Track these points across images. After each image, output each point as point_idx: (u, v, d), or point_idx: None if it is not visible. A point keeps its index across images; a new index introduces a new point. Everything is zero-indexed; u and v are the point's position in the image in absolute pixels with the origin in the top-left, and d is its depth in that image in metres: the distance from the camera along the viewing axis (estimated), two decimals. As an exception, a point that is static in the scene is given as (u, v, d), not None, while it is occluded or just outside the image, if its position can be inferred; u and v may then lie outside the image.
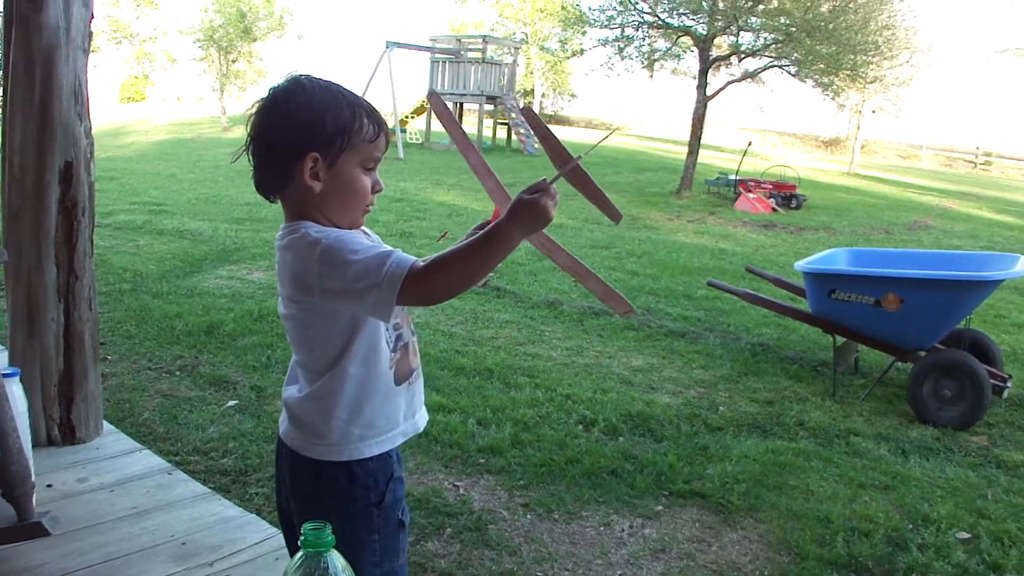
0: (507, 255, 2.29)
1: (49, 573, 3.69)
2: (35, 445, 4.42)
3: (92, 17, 4.94)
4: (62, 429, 5.01)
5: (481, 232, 2.27)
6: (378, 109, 2.47)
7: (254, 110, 2.44)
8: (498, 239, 2.22)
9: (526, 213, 2.24)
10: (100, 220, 13.41)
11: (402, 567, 2.63)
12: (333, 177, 2.38)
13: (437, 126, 40.72)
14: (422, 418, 2.65)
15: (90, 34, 4.92)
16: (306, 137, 2.34)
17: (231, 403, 6.60)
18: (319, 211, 2.40)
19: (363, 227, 2.55)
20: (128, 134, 37.38)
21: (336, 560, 1.80)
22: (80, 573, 3.71)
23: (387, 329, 2.46)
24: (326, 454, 2.47)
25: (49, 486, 4.49)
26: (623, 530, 5.09)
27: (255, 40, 54.44)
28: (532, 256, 13.55)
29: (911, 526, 5.30)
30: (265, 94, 2.45)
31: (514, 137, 37.62)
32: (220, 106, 45.07)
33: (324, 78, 2.50)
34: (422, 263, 2.20)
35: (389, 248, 2.27)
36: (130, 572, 3.76)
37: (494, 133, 39.85)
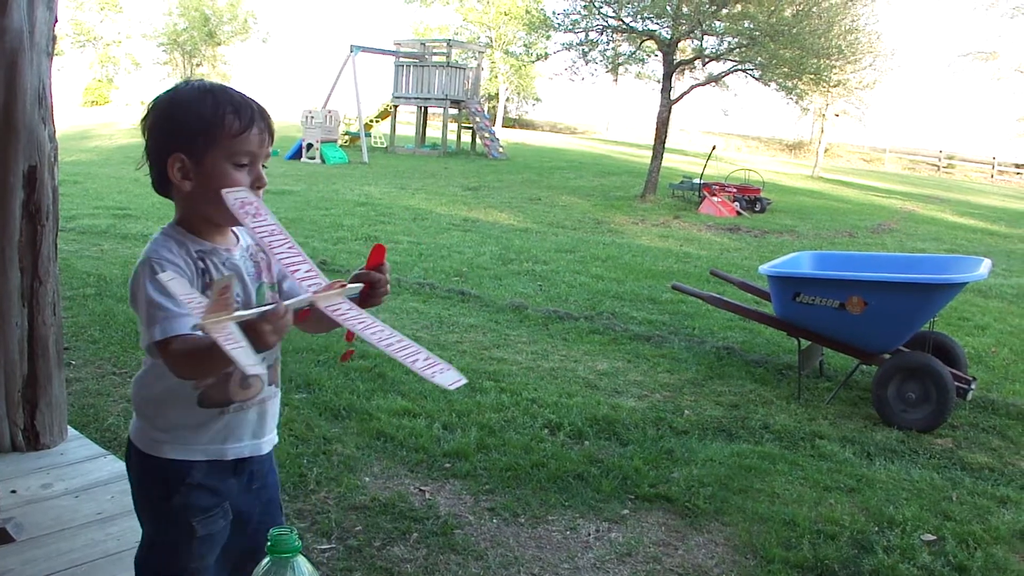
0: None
1: (14, 581, 3.67)
2: (-1, 451, 4.40)
3: (56, 20, 4.91)
4: (26, 435, 4.97)
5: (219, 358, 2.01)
6: (263, 107, 2.52)
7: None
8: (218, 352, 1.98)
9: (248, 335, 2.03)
10: (63, 224, 13.34)
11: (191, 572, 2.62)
12: (201, 175, 2.41)
13: (402, 130, 40.75)
14: (233, 450, 2.59)
15: (54, 38, 4.88)
16: (170, 138, 2.42)
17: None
18: (194, 211, 2.48)
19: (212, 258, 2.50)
20: (91, 138, 37.22)
21: (303, 565, 1.78)
22: (44, 580, 3.70)
23: None
24: (133, 436, 2.60)
25: (13, 492, 4.46)
26: (589, 534, 5.07)
27: (219, 44, 54.47)
28: (496, 261, 13.61)
29: (876, 528, 5.31)
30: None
31: (479, 141, 37.63)
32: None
33: (211, 81, 2.59)
34: (178, 343, 2.23)
35: (167, 311, 2.26)
36: (94, 580, 3.74)
37: (458, 137, 39.90)
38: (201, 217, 2.48)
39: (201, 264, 2.46)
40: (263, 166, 2.51)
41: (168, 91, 2.52)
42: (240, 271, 2.53)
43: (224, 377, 2.47)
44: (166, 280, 2.08)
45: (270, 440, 2.70)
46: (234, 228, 2.60)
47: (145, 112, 2.51)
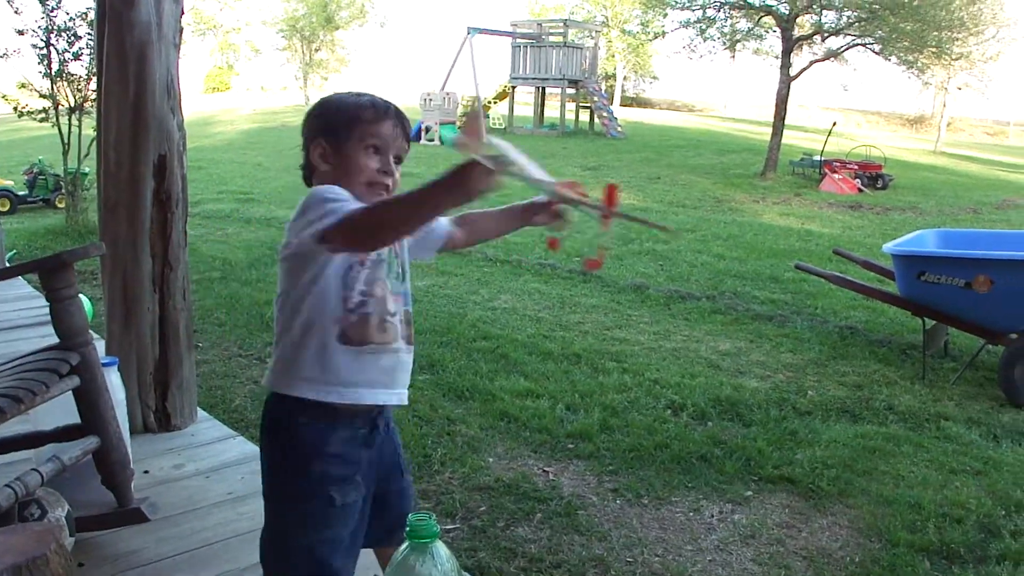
0: (431, 214, 2.46)
1: (148, 558, 3.77)
2: (132, 432, 4.52)
3: (183, 12, 5.02)
4: (158, 416, 5.11)
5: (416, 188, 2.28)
6: (402, 112, 2.78)
7: None
8: (423, 195, 2.27)
9: (454, 178, 2.23)
10: (190, 210, 13.67)
11: (329, 541, 2.67)
12: (339, 157, 2.68)
13: (520, 111, 40.74)
14: (370, 395, 2.68)
15: (181, 29, 4.99)
16: (315, 128, 2.73)
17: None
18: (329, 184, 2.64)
19: None
20: (214, 124, 37.76)
21: (441, 550, 1.83)
22: (178, 558, 3.79)
23: (350, 289, 2.61)
24: (273, 383, 2.67)
25: (146, 472, 4.59)
26: (712, 515, 5.08)
27: (337, 28, 54.86)
28: (618, 240, 13.57)
29: (1004, 512, 5.24)
30: None
31: (597, 120, 37.51)
32: (303, 94, 45.38)
33: (354, 91, 2.87)
34: (359, 212, 2.44)
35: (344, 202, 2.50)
36: (227, 557, 3.82)
37: (576, 117, 39.75)
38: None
39: None
40: (397, 165, 2.74)
41: (330, 96, 2.83)
42: None
43: (363, 318, 2.62)
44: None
45: (400, 395, 2.76)
46: None
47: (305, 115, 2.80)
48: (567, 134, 36.34)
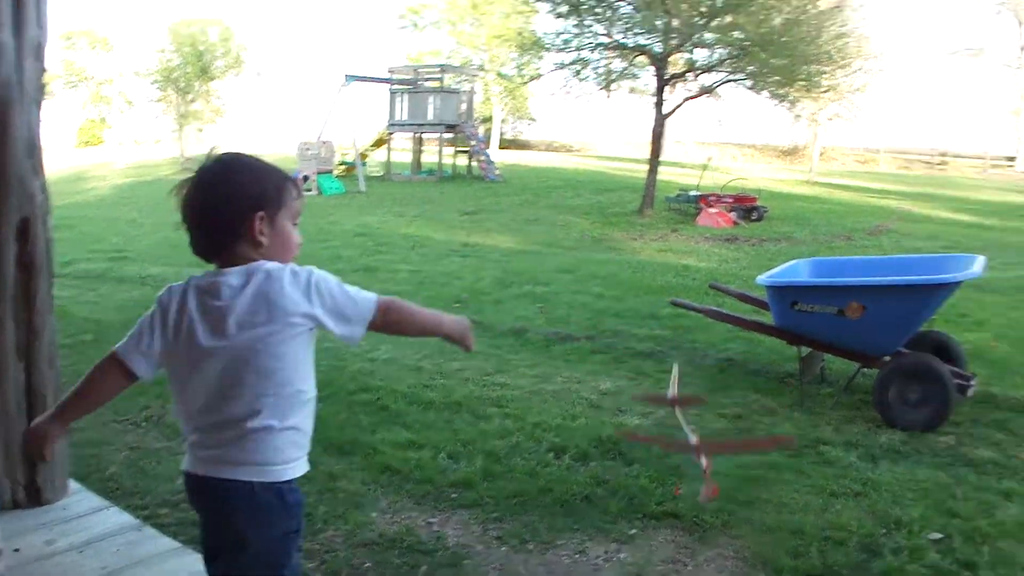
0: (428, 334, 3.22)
1: (22, 641, 3.69)
2: (0, 510, 4.41)
3: (45, 70, 4.94)
4: (28, 491, 4.98)
5: (431, 314, 3.15)
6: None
7: (188, 187, 2.94)
8: (436, 323, 3.16)
9: (459, 328, 3.20)
10: (59, 270, 13.27)
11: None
12: (274, 232, 2.89)
13: (397, 157, 40.78)
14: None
15: (43, 86, 4.92)
16: (252, 200, 2.86)
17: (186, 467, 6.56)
18: (265, 259, 2.87)
19: None
20: (86, 180, 37.36)
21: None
22: (53, 636, 3.71)
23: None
24: (277, 475, 2.90)
25: (16, 550, 4.48)
26: (598, 556, 5.08)
27: (212, 79, 54.48)
28: (496, 285, 13.62)
29: (884, 531, 5.33)
30: (195, 174, 2.95)
31: (475, 164, 37.67)
32: (179, 147, 44.89)
33: (248, 154, 3.07)
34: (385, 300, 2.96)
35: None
36: (103, 635, 3.76)
37: (454, 161, 39.90)
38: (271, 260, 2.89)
39: None
40: None
41: (218, 164, 2.96)
42: None
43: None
44: None
45: None
46: None
47: (197, 183, 2.92)
48: (445, 179, 36.54)
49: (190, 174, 2.97)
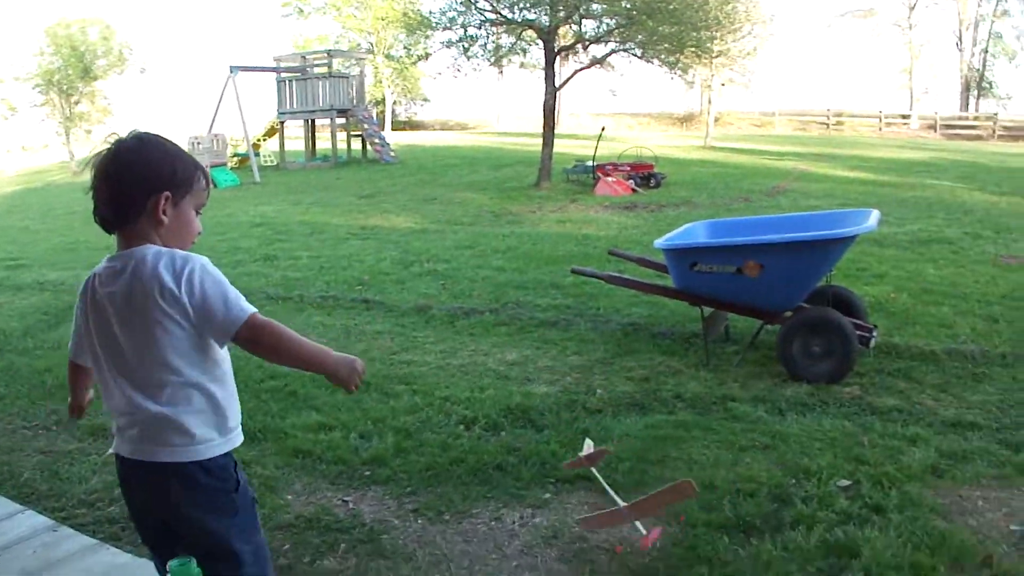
0: (309, 368, 3.00)
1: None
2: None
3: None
4: (-66, 497, 4.92)
5: (314, 349, 2.97)
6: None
7: (102, 157, 2.95)
8: (318, 360, 2.97)
9: (344, 367, 2.96)
10: (-47, 283, 13.10)
11: (263, 540, 3.16)
12: (177, 215, 2.93)
13: (291, 145, 40.49)
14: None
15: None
16: (161, 179, 2.89)
17: (112, 451, 6.49)
18: (163, 240, 2.91)
19: None
20: (-26, 191, 36.64)
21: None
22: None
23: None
24: (191, 455, 2.92)
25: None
26: (514, 522, 5.12)
27: (96, 79, 53.54)
28: (397, 265, 13.60)
29: (793, 481, 5.41)
30: (110, 145, 2.96)
31: (370, 148, 37.49)
32: (68, 151, 44.15)
33: (161, 136, 3.05)
34: (260, 319, 2.86)
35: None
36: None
37: (348, 146, 39.67)
38: (168, 243, 2.92)
39: None
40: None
41: (134, 139, 2.98)
42: None
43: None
44: None
45: None
46: None
47: (110, 153, 2.93)
48: (340, 164, 36.29)
49: (106, 147, 2.98)
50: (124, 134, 3.02)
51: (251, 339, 2.83)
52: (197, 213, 3.03)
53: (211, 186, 3.14)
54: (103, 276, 2.91)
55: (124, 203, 2.89)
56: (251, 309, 2.83)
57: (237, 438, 3.04)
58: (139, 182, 2.88)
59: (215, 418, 2.95)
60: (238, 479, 3.03)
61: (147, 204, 2.87)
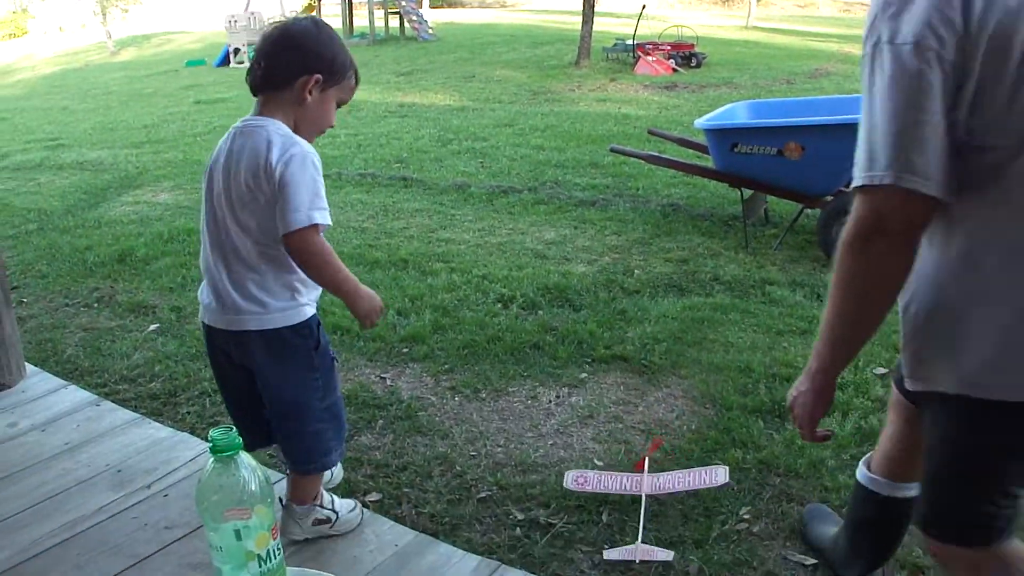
0: (338, 293, 3.14)
1: (-8, 520, 3.71)
2: (-42, 396, 4.42)
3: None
4: (-16, 378, 4.99)
5: (350, 281, 3.13)
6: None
7: (273, 26, 3.13)
8: (347, 287, 3.12)
9: (365, 303, 3.19)
10: (-3, 165, 13.16)
11: (338, 398, 3.43)
12: (320, 100, 3.09)
13: (328, 21, 40.18)
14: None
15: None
16: (319, 61, 3.04)
17: (152, 327, 6.54)
18: (297, 120, 3.10)
19: None
20: (14, 72, 36.60)
21: (246, 460, 1.83)
22: (22, 515, 3.74)
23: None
24: (268, 323, 3.12)
25: (-20, 435, 4.50)
26: (550, 401, 5.15)
27: (134, -43, 53.21)
28: (436, 143, 13.56)
29: (830, 366, 5.39)
30: (291, 21, 3.18)
31: (407, 25, 37.18)
32: (105, 31, 43.93)
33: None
34: (317, 237, 2.99)
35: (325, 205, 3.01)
36: (70, 506, 3.79)
37: (386, 23, 39.33)
38: (296, 125, 3.09)
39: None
40: None
41: (308, 21, 3.19)
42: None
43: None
44: None
45: None
46: None
47: (285, 25, 3.11)
48: (378, 42, 35.99)
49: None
50: (301, 15, 3.26)
51: (299, 250, 2.98)
52: (338, 106, 3.19)
53: (357, 86, 3.28)
54: (230, 134, 3.10)
55: (278, 70, 3.05)
56: (317, 221, 2.93)
57: (312, 305, 3.23)
58: (299, 57, 3.04)
59: (290, 289, 3.14)
60: (319, 338, 3.23)
61: (298, 79, 3.02)
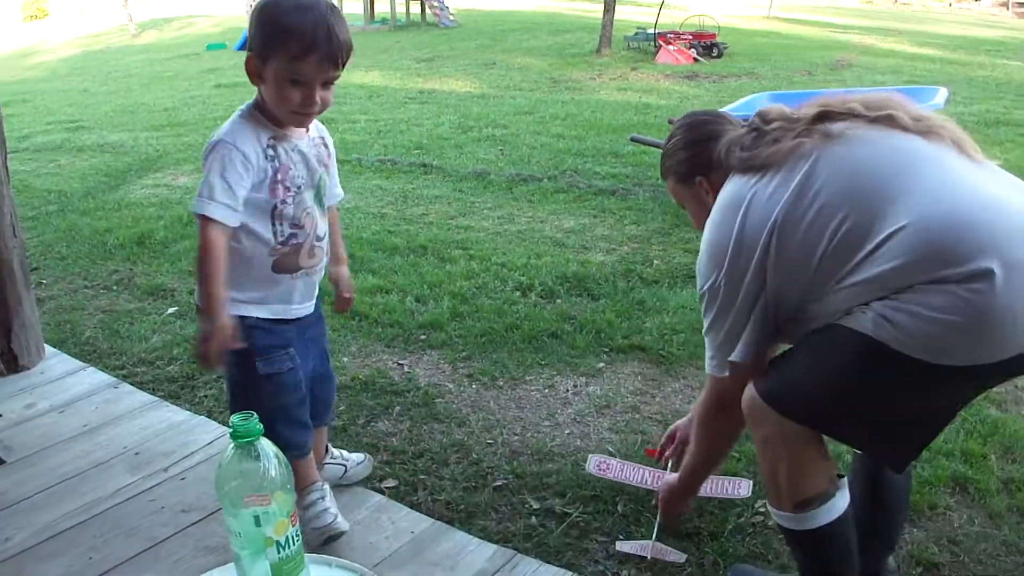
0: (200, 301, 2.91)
1: (9, 500, 3.72)
2: (-21, 378, 4.44)
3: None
4: (4, 359, 4.99)
5: (216, 293, 2.86)
6: (336, 32, 2.88)
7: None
8: (206, 301, 2.87)
9: (211, 329, 2.87)
10: (16, 144, 13.22)
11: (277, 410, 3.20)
12: (265, 81, 2.93)
13: (350, 8, 40.20)
14: (295, 310, 3.27)
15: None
16: (252, 40, 2.90)
17: (171, 310, 6.55)
18: (265, 104, 3.01)
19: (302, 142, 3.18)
20: (35, 54, 36.63)
21: (266, 446, 1.83)
22: (38, 497, 3.75)
23: (278, 223, 3.08)
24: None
25: (-1, 416, 4.51)
26: (567, 390, 5.15)
27: (155, -61, 53.27)
28: (456, 129, 13.56)
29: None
30: None
31: (428, 11, 37.17)
32: (126, 13, 43.96)
33: None
34: (215, 229, 2.87)
35: (215, 193, 2.89)
36: (86, 488, 3.81)
37: (407, 9, 39.32)
38: (266, 109, 3.02)
39: (271, 151, 3.03)
40: (327, 88, 3.00)
41: None
42: (305, 157, 3.16)
43: (295, 248, 3.13)
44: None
45: (315, 299, 3.40)
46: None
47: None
48: (399, 28, 36.00)
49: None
50: None
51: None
52: (295, 83, 2.90)
53: (322, 58, 2.88)
54: None
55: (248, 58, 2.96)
56: (206, 211, 2.86)
57: (246, 304, 3.12)
58: (249, 37, 2.94)
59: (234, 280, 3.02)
60: (249, 342, 3.06)
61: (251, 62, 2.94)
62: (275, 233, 3.07)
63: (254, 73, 2.94)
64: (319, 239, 3.24)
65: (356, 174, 10.78)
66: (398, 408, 4.95)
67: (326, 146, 3.35)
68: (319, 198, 3.23)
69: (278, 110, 2.98)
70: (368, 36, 32.45)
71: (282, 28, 2.83)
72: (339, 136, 13.28)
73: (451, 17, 35.89)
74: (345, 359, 5.58)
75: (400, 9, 38.40)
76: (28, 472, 3.94)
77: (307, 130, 3.21)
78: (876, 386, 2.57)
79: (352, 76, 21.00)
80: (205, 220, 2.85)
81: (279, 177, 3.04)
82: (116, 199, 10.02)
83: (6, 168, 4.95)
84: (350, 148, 12.26)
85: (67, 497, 3.73)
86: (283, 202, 3.05)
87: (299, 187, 3.10)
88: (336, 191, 3.45)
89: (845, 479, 2.90)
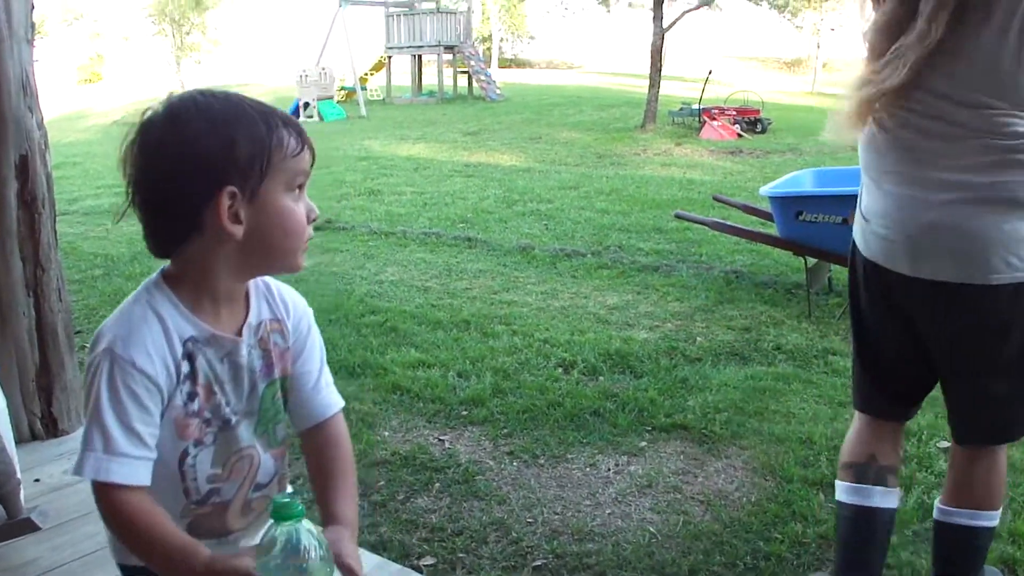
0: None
1: (44, 567, 3.71)
2: (19, 442, 4.42)
3: (33, 7, 4.90)
4: (44, 423, 4.98)
5: (159, 548, 1.86)
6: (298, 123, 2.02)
7: (128, 148, 2.01)
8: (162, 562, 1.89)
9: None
10: (66, 207, 13.33)
11: None
12: (258, 213, 1.89)
13: (398, 80, 40.62)
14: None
15: (32, 24, 4.87)
16: (214, 168, 1.84)
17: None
18: (244, 262, 1.99)
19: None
20: (88, 117, 37.07)
21: (308, 527, 1.81)
22: (74, 564, 3.73)
23: (190, 477, 2.05)
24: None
25: (37, 481, 4.48)
26: (609, 469, 5.12)
27: (207, 9, 54.14)
28: (501, 203, 13.62)
29: (893, 439, 5.35)
30: (140, 123, 1.98)
31: (475, 84, 37.50)
32: (178, 79, 44.63)
33: (221, 91, 1.98)
34: (128, 495, 1.87)
35: (113, 440, 1.87)
36: (123, 557, 3.80)
37: (455, 82, 39.72)
38: (252, 268, 2.05)
39: (187, 363, 2.00)
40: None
41: (168, 110, 1.95)
42: (241, 370, 2.09)
43: (219, 506, 2.12)
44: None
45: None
46: (250, 292, 2.14)
47: (138, 142, 1.98)
48: (446, 100, 36.34)
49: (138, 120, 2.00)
50: (155, 107, 2.00)
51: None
52: (296, 190, 1.97)
53: (305, 148, 1.98)
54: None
55: (167, 221, 1.99)
56: (106, 477, 1.85)
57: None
58: (181, 183, 1.88)
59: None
60: None
61: (201, 218, 1.88)
62: (187, 490, 2.05)
63: (232, 220, 1.87)
64: (260, 487, 2.19)
65: (401, 246, 10.84)
66: (438, 485, 4.93)
67: (283, 335, 2.20)
68: (265, 426, 2.17)
69: (288, 253, 1.98)
70: (416, 108, 32.73)
71: (264, 119, 1.90)
72: (385, 208, 13.39)
73: (498, 91, 36.22)
74: (386, 433, 5.57)
75: (448, 82, 38.76)
76: (64, 539, 3.93)
77: (246, 312, 2.12)
78: None
79: (399, 148, 21.18)
80: (105, 488, 1.87)
81: (194, 407, 2.01)
82: (161, 264, 10.07)
83: (55, 232, 4.99)
84: (396, 220, 12.33)
85: (103, 566, 3.71)
86: (197, 444, 2.03)
87: (226, 420, 2.06)
88: (321, 399, 2.33)
89: None
